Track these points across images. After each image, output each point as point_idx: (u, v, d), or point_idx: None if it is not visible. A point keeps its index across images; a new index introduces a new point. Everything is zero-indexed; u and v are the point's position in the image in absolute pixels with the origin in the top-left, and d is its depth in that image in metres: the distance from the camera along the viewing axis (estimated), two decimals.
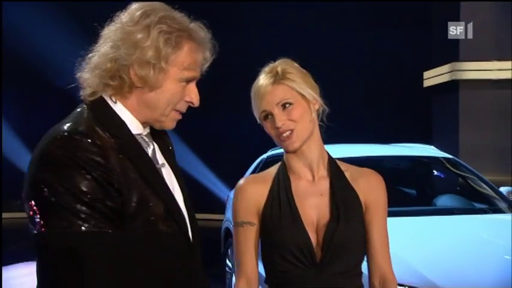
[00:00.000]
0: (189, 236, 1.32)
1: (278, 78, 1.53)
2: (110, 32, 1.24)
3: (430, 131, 8.64)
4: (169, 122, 1.31)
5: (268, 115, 1.51)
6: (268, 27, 9.42)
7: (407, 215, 3.52)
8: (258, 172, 4.78)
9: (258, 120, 1.56)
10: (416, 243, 3.13)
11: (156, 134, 1.35)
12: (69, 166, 1.14)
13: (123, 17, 1.25)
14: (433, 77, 8.39)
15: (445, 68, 7.99)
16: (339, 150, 4.18)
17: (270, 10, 9.52)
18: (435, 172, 4.29)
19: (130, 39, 1.21)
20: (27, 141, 8.94)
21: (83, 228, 1.13)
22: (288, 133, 1.50)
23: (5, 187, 5.77)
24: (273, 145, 4.46)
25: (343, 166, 1.61)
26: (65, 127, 1.19)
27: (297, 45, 9.13)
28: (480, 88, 7.69)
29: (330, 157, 1.61)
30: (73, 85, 1.27)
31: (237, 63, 7.30)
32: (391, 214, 3.39)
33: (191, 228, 1.34)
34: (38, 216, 1.17)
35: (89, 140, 1.18)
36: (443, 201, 3.83)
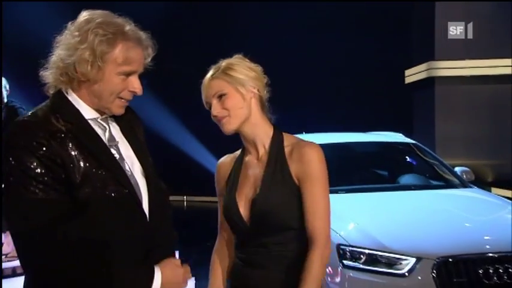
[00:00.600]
0: (139, 201, 1.43)
1: (217, 73, 1.66)
2: (62, 37, 1.41)
3: (411, 123, 8.85)
4: (116, 109, 1.44)
5: (208, 103, 1.67)
6: (262, 30, 9.47)
7: (376, 190, 3.94)
8: None
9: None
10: (381, 214, 3.50)
11: (120, 117, 1.48)
12: (18, 148, 1.32)
13: (71, 24, 1.41)
14: (413, 74, 8.66)
15: (422, 67, 8.26)
16: (324, 138, 4.67)
17: (263, 13, 9.59)
18: (402, 155, 4.67)
19: (72, 43, 1.37)
20: None
21: (36, 196, 1.30)
22: (221, 119, 1.64)
23: None
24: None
25: (287, 142, 1.70)
26: (28, 114, 1.42)
27: (290, 47, 9.40)
28: (453, 84, 7.97)
29: (275, 135, 1.70)
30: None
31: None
32: (363, 190, 3.84)
33: (148, 194, 1.46)
34: (5, 190, 1.35)
35: (38, 126, 1.35)
36: (406, 179, 4.23)
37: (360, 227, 3.23)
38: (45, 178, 1.31)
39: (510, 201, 3.72)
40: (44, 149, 1.32)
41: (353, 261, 3.00)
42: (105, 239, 1.35)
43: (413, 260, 2.87)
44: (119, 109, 1.44)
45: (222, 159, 1.84)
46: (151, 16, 8.65)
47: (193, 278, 4.67)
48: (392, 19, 9.30)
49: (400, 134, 4.83)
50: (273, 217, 1.62)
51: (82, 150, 1.36)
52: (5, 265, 4.74)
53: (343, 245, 3.06)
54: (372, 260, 2.97)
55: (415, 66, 8.60)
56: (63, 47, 1.38)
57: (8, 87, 4.98)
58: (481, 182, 7.68)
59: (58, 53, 1.39)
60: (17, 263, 4.80)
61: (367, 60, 9.49)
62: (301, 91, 9.36)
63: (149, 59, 1.45)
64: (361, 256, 3.00)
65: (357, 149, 4.55)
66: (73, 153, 1.34)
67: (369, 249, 2.99)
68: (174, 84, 9.15)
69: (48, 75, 1.41)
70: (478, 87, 7.91)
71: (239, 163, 1.75)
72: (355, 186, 3.95)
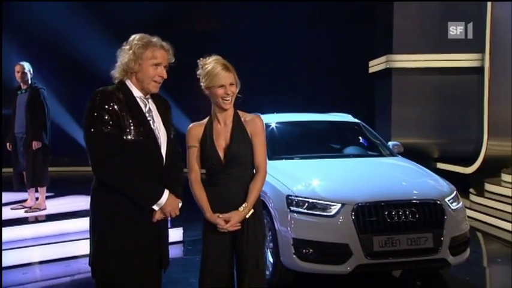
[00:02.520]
0: (159, 147, 2.14)
1: (229, 69, 2.46)
2: (119, 51, 2.16)
3: (373, 107, 9.44)
4: (152, 88, 2.15)
5: (222, 86, 2.43)
6: (243, 27, 9.82)
7: (325, 158, 4.52)
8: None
9: (205, 87, 2.46)
10: (323, 173, 4.06)
11: (158, 101, 2.22)
12: (99, 105, 2.04)
13: (125, 43, 2.14)
14: (375, 65, 9.18)
15: (382, 59, 8.77)
16: (289, 117, 5.24)
17: (244, 12, 9.91)
18: (349, 131, 5.22)
19: (124, 51, 2.13)
20: None
21: (105, 131, 2.02)
22: (229, 99, 2.47)
23: None
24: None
25: (242, 115, 2.55)
26: (101, 88, 2.12)
27: (269, 41, 9.84)
28: (408, 75, 8.49)
29: (235, 113, 2.53)
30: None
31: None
32: (313, 158, 4.46)
33: (167, 145, 2.17)
34: (84, 125, 2.06)
35: (109, 94, 2.08)
36: (350, 150, 4.87)
37: (306, 183, 3.83)
38: (110, 122, 2.03)
39: (423, 167, 4.41)
40: (111, 107, 2.04)
41: (297, 208, 3.63)
42: (137, 162, 2.06)
43: (339, 205, 3.53)
44: (154, 88, 2.16)
45: (192, 125, 2.61)
46: (142, 15, 9.19)
47: (181, 228, 5.35)
48: (359, 16, 9.79)
49: (350, 115, 5.42)
50: (239, 156, 2.49)
51: (129, 112, 2.09)
52: (29, 215, 5.46)
53: (291, 196, 3.68)
54: (311, 206, 3.61)
55: (376, 58, 9.09)
56: (120, 55, 2.14)
57: (31, 70, 5.57)
58: (428, 157, 8.42)
59: (119, 60, 2.15)
60: (38, 213, 5.52)
61: (336, 53, 9.93)
62: (278, 79, 9.78)
63: (173, 58, 2.17)
64: (304, 204, 3.62)
65: (313, 126, 5.10)
66: (125, 112, 2.07)
67: (310, 198, 3.63)
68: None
69: (115, 72, 2.16)
70: (429, 77, 8.44)
71: (209, 127, 2.54)
72: (307, 154, 4.54)
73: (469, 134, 8.30)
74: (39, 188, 5.65)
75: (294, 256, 3.57)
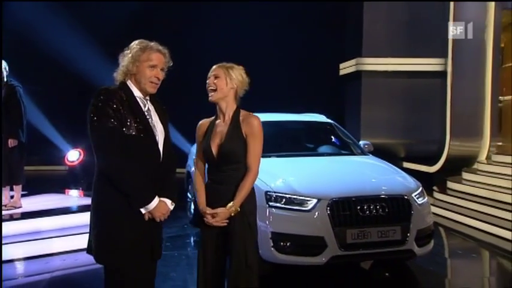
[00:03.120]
0: (157, 144, 2.27)
1: (221, 65, 2.60)
2: (121, 56, 2.32)
3: (344, 108, 9.68)
4: (149, 88, 2.29)
5: (209, 77, 2.60)
6: (213, 28, 9.95)
7: (301, 156, 4.75)
8: None
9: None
10: (299, 171, 4.28)
11: (155, 104, 2.36)
12: (103, 101, 2.18)
13: (126, 48, 2.30)
14: (345, 68, 9.44)
15: (352, 62, 9.05)
16: (265, 117, 5.34)
17: (222, 14, 10.06)
18: (322, 131, 5.46)
19: (125, 55, 2.29)
20: None
21: (109, 125, 2.15)
22: (211, 91, 2.58)
23: None
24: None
25: (242, 114, 2.61)
26: (104, 86, 2.26)
27: (246, 42, 9.85)
28: (376, 77, 8.78)
29: (236, 111, 2.60)
30: None
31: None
32: (289, 156, 4.68)
33: (163, 143, 2.30)
34: (88, 120, 2.18)
35: (113, 92, 2.23)
36: (323, 148, 5.13)
37: (283, 179, 4.01)
38: (113, 118, 2.17)
39: (391, 165, 4.71)
40: (114, 104, 2.18)
41: (276, 203, 3.82)
42: (136, 156, 2.18)
43: (315, 200, 3.76)
44: (151, 89, 2.30)
45: (202, 121, 2.75)
46: (129, 15, 9.18)
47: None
48: (330, 19, 10.05)
49: (323, 116, 5.69)
50: (231, 155, 2.56)
51: (130, 110, 2.24)
52: (5, 213, 5.43)
53: (269, 191, 3.86)
54: (289, 201, 3.81)
55: (347, 61, 9.38)
56: (121, 59, 2.31)
57: (7, 68, 5.52)
58: (395, 157, 8.78)
59: (121, 63, 2.31)
60: (14, 211, 5.50)
61: (308, 55, 10.20)
62: (254, 80, 10.01)
63: (170, 62, 2.33)
64: (282, 199, 3.82)
65: (289, 126, 5.33)
66: (126, 110, 2.21)
67: (287, 194, 3.83)
68: None
69: (115, 74, 2.33)
70: (396, 80, 8.78)
71: (213, 123, 2.67)
72: (284, 153, 4.74)
73: (433, 135, 8.65)
74: (14, 186, 5.63)
75: (272, 249, 3.76)
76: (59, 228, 5.32)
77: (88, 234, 2.34)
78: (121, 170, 2.16)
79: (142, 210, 2.22)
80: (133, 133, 2.20)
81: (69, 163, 8.90)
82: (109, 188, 2.19)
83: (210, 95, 2.60)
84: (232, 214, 2.54)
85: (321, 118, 5.63)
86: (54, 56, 9.46)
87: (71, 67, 9.66)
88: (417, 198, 4.00)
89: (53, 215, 5.61)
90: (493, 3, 7.58)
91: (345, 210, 3.75)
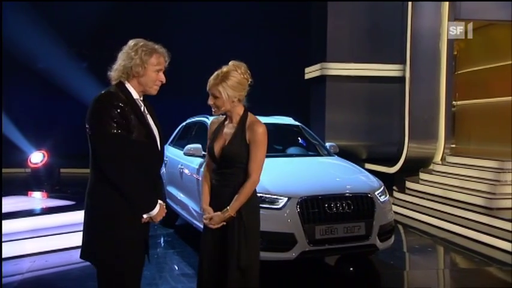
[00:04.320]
0: (158, 146, 2.27)
1: (216, 82, 2.49)
2: (119, 55, 2.25)
3: (309, 110, 10.00)
4: (153, 91, 2.29)
5: (208, 94, 2.54)
6: (181, 30, 10.01)
7: (271, 157, 4.60)
8: (181, 132, 6.12)
9: None
10: (270, 171, 3.97)
11: (146, 102, 2.31)
12: (107, 104, 2.12)
13: (125, 47, 2.24)
14: (310, 72, 9.73)
15: (317, 66, 9.36)
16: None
17: (182, 15, 10.14)
18: (290, 133, 5.64)
19: (129, 56, 2.22)
20: None
21: (113, 131, 2.09)
22: (213, 108, 2.56)
23: None
24: (190, 116, 5.71)
25: (249, 119, 2.56)
26: (105, 91, 2.20)
27: (209, 45, 10.03)
28: (340, 82, 9.13)
29: (243, 114, 2.57)
30: None
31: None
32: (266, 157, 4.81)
33: (160, 144, 2.30)
34: (92, 127, 2.11)
35: (116, 95, 2.16)
36: (292, 150, 5.33)
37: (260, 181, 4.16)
38: (119, 124, 2.11)
39: (355, 165, 4.99)
40: (120, 108, 2.13)
41: None
42: (140, 162, 2.16)
43: (286, 199, 3.95)
44: (155, 91, 2.30)
45: (212, 119, 2.77)
46: (94, 14, 9.07)
47: None
48: (297, 25, 10.37)
49: (291, 118, 5.89)
50: (231, 158, 2.54)
51: (133, 114, 2.18)
52: None
53: None
54: (261, 200, 3.82)
55: (312, 65, 9.67)
56: (124, 59, 2.23)
57: None
58: (357, 158, 9.15)
59: (120, 63, 2.24)
60: None
61: (275, 59, 10.46)
62: None
63: (167, 63, 2.30)
64: None
65: None
66: (131, 114, 2.16)
67: (259, 193, 3.70)
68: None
69: (113, 74, 2.26)
70: (358, 85, 9.16)
71: (222, 124, 2.66)
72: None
73: (392, 137, 9.10)
74: None
75: None
76: (25, 230, 5.25)
77: (82, 238, 2.29)
78: (128, 178, 2.13)
79: (144, 215, 2.23)
80: (139, 138, 2.17)
81: (32, 165, 8.70)
82: (109, 191, 2.15)
83: (213, 110, 2.59)
84: (226, 219, 2.51)
85: (288, 120, 5.83)
86: (17, 54, 9.21)
87: (35, 66, 9.43)
88: (379, 196, 4.29)
89: (19, 217, 5.53)
90: (446, 14, 8.07)
91: (314, 207, 3.96)
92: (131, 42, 2.27)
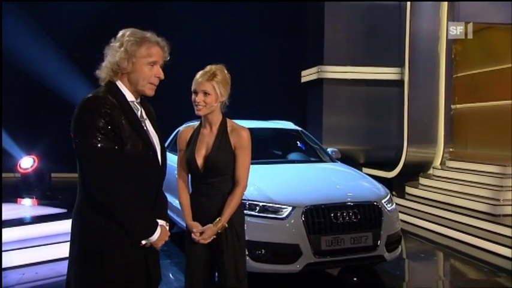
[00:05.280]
0: (158, 160, 1.90)
1: (209, 78, 2.38)
2: (106, 50, 1.88)
3: (305, 114, 9.85)
4: (148, 91, 1.88)
5: (196, 92, 2.40)
6: (180, 31, 9.78)
7: (272, 163, 4.72)
8: (175, 137, 5.91)
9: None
10: (272, 178, 4.28)
11: (144, 105, 1.97)
12: (92, 112, 1.74)
13: (113, 39, 1.86)
14: (307, 75, 9.59)
15: (314, 69, 9.22)
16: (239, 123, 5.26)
17: (181, 15, 9.97)
18: (291, 138, 5.49)
19: (114, 49, 1.84)
20: None
21: (100, 145, 1.72)
22: (200, 106, 2.39)
23: None
24: (187, 121, 5.56)
25: (229, 124, 2.46)
26: (91, 94, 1.82)
27: (206, 47, 9.77)
28: (337, 85, 9.01)
29: (222, 120, 2.45)
30: None
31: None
32: (261, 163, 4.67)
33: (161, 156, 1.93)
34: (75, 139, 1.75)
35: (104, 100, 1.77)
36: (293, 156, 5.16)
37: (257, 187, 3.97)
38: (107, 134, 1.74)
39: (360, 172, 4.83)
40: (108, 115, 1.75)
41: (250, 211, 3.77)
42: (135, 179, 1.80)
43: (290, 208, 3.77)
44: (150, 91, 1.89)
45: (184, 127, 2.61)
46: (88, 15, 8.82)
47: None
48: (293, 28, 10.24)
49: (291, 122, 5.73)
50: (217, 167, 2.42)
51: (127, 121, 1.81)
52: None
53: (243, 199, 3.72)
54: (263, 209, 3.80)
55: (308, 68, 9.53)
56: (109, 53, 1.86)
57: None
58: (355, 162, 9.01)
59: (106, 58, 1.87)
60: None
61: (271, 62, 10.31)
62: None
63: (168, 56, 1.93)
64: (256, 207, 3.80)
65: (258, 133, 5.29)
66: (123, 122, 1.79)
67: (261, 202, 3.82)
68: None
69: (101, 73, 1.88)
70: (356, 88, 9.04)
71: (197, 132, 2.50)
72: (254, 160, 4.69)
73: (390, 141, 8.98)
74: None
75: (248, 258, 3.71)
76: (14, 240, 5.00)
77: (67, 269, 1.93)
78: (120, 202, 1.77)
79: (143, 241, 1.87)
80: (133, 151, 1.80)
81: (22, 170, 8.42)
82: (99, 212, 1.80)
83: (197, 109, 2.42)
84: (219, 231, 2.42)
85: (289, 125, 5.66)
86: (5, 57, 8.92)
87: (24, 67, 9.14)
88: (386, 204, 4.12)
89: (7, 226, 5.26)
90: (445, 16, 7.96)
91: (319, 217, 3.79)
92: (119, 33, 1.89)
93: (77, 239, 1.88)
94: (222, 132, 2.46)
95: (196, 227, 2.44)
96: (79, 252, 1.85)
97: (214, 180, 2.43)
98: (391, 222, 4.08)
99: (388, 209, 4.11)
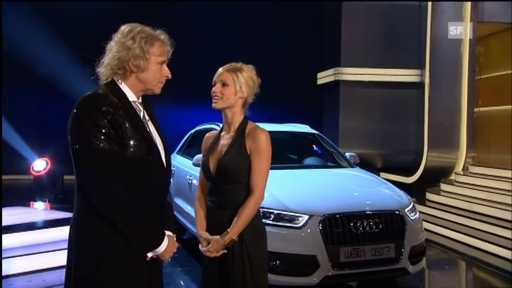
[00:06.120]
0: (163, 163, 1.78)
1: (231, 69, 2.18)
2: (111, 46, 1.75)
3: (321, 117, 9.64)
4: (157, 89, 1.82)
5: (215, 83, 2.20)
6: (192, 32, 9.68)
7: (287, 169, 4.51)
8: (189, 140, 5.75)
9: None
10: (288, 185, 4.05)
11: (146, 105, 1.86)
12: (93, 110, 1.62)
13: (117, 35, 1.75)
14: (323, 77, 9.38)
15: (330, 71, 9.00)
16: None
17: (193, 16, 9.90)
18: (307, 142, 5.29)
19: (125, 46, 1.72)
20: None
21: (101, 146, 1.60)
22: (216, 98, 2.18)
23: None
24: (199, 124, 5.40)
25: (249, 126, 2.20)
26: (90, 92, 1.70)
27: (220, 48, 9.47)
28: (354, 87, 8.77)
29: (243, 122, 2.20)
30: None
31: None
32: (277, 168, 4.46)
33: (165, 158, 1.81)
34: (73, 140, 1.62)
35: (105, 98, 1.66)
36: (310, 161, 4.93)
37: (272, 194, 3.73)
38: (110, 135, 1.62)
39: (380, 178, 4.56)
40: (110, 114, 1.64)
41: (264, 219, 3.40)
42: (139, 185, 1.67)
43: (307, 217, 3.54)
44: (159, 90, 1.83)
45: (208, 133, 2.41)
46: (95, 18, 8.74)
47: None
48: (308, 28, 10.06)
49: (307, 126, 5.48)
50: (229, 172, 2.15)
51: (129, 122, 1.70)
52: None
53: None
54: (278, 217, 3.58)
55: (325, 70, 9.31)
56: (118, 50, 1.73)
57: None
58: (372, 167, 8.74)
59: (113, 55, 1.74)
60: None
61: (286, 63, 10.12)
62: None
63: (171, 52, 1.85)
64: (271, 215, 3.59)
65: (272, 137, 5.05)
66: (125, 122, 1.68)
67: (276, 209, 3.60)
68: None
69: (104, 71, 1.76)
70: (374, 90, 8.80)
71: (218, 136, 2.30)
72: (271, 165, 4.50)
73: (408, 145, 8.69)
74: None
75: None
76: (23, 245, 4.87)
77: (64, 279, 1.81)
78: (124, 209, 1.63)
79: (149, 254, 1.73)
80: (136, 154, 1.67)
81: (35, 173, 8.36)
82: (99, 224, 1.66)
83: (213, 101, 2.20)
84: (227, 245, 2.13)
85: (305, 128, 5.43)
86: (19, 59, 8.87)
87: (37, 70, 9.11)
88: (410, 213, 3.85)
89: (16, 231, 5.14)
90: (468, 15, 7.64)
91: (338, 226, 3.56)
92: (125, 28, 1.77)
93: (75, 251, 1.73)
94: (239, 134, 2.20)
95: (205, 237, 2.21)
96: (78, 262, 1.71)
97: (227, 188, 2.18)
98: (415, 233, 3.81)
99: (412, 218, 3.84)
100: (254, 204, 2.15)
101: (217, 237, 2.14)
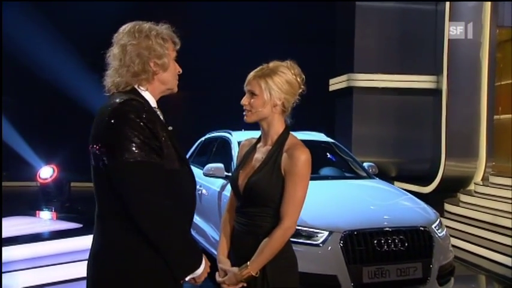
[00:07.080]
0: (194, 175, 1.69)
1: (259, 74, 1.84)
2: (117, 51, 1.58)
3: (334, 124, 9.41)
4: (176, 88, 1.72)
5: (245, 91, 1.88)
6: (200, 37, 9.51)
7: None
8: (199, 148, 5.53)
9: None
10: (309, 199, 3.77)
11: (161, 111, 1.72)
12: (135, 120, 1.46)
13: (123, 39, 1.59)
14: (336, 83, 9.17)
15: (343, 77, 8.78)
16: (258, 134, 4.90)
17: (201, 20, 9.72)
18: (323, 151, 5.02)
19: (143, 46, 1.57)
20: None
21: (148, 159, 1.46)
22: (246, 111, 1.87)
23: None
24: (208, 131, 5.18)
25: (289, 141, 1.86)
26: (117, 100, 1.49)
27: (227, 53, 9.61)
28: (368, 94, 8.54)
29: (283, 134, 1.86)
30: None
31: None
32: None
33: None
34: (107, 152, 1.45)
35: (142, 106, 1.52)
36: (326, 171, 4.68)
37: None
38: (152, 147, 1.49)
39: (403, 191, 4.29)
40: (151, 123, 1.50)
41: None
42: (179, 202, 1.55)
43: (326, 233, 3.31)
44: (176, 88, 1.73)
45: (244, 141, 2.08)
46: (104, 22, 8.60)
47: None
48: (321, 33, 9.86)
49: (322, 134, 5.25)
50: (257, 194, 1.82)
51: (162, 132, 1.56)
52: None
53: None
54: (296, 233, 3.18)
55: (337, 76, 9.09)
56: (137, 52, 1.57)
57: None
58: (386, 176, 8.45)
59: (131, 59, 1.58)
60: None
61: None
62: (236, 94, 9.62)
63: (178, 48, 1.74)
64: None
65: None
66: (160, 134, 1.54)
67: None
68: None
69: (124, 79, 1.59)
70: (388, 97, 8.55)
71: (253, 146, 1.97)
72: None
73: (424, 154, 8.40)
74: None
75: None
76: (26, 258, 4.66)
77: None
78: (166, 227, 1.48)
79: (187, 277, 1.58)
80: (172, 166, 1.55)
81: (41, 180, 8.20)
82: (133, 255, 1.51)
83: (244, 114, 1.90)
84: (244, 280, 1.81)
85: (320, 137, 5.19)
86: (26, 65, 8.75)
87: (44, 77, 8.97)
88: (437, 230, 3.58)
89: (20, 242, 4.94)
90: (488, 20, 7.37)
91: (360, 244, 3.30)
92: (130, 28, 1.61)
93: (102, 262, 1.56)
94: (276, 150, 1.85)
95: (224, 264, 1.90)
96: (106, 278, 1.55)
97: (253, 210, 1.84)
98: (443, 251, 3.53)
99: (439, 235, 3.56)
100: (282, 236, 1.79)
101: (236, 269, 1.83)
